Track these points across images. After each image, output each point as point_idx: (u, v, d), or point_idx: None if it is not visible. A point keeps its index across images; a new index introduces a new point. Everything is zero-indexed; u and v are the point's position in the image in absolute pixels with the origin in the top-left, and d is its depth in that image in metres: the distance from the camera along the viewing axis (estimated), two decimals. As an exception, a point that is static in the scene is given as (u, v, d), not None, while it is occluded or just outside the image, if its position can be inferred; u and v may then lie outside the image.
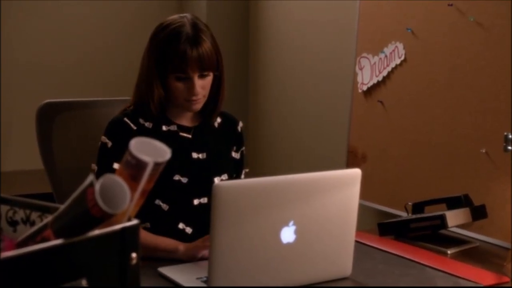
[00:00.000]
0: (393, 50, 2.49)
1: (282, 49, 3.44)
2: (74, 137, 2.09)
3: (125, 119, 1.82)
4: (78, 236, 0.88)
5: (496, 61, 2.11)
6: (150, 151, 0.92)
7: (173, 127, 1.86)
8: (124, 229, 0.94)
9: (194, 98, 1.78)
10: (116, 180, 0.88)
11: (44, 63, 3.65)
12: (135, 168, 0.90)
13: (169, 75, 1.77)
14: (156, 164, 0.91)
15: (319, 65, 3.18)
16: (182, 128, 1.86)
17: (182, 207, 1.80)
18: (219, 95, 1.87)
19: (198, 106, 1.82)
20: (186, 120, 1.88)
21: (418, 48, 2.40)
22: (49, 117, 2.06)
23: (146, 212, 1.76)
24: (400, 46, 2.46)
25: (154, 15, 3.91)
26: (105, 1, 3.79)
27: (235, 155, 1.95)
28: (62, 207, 0.92)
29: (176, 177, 1.80)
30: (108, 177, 0.87)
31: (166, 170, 1.73)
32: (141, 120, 1.83)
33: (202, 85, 1.78)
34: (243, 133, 2.00)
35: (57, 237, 0.89)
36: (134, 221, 0.96)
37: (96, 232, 0.90)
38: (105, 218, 0.86)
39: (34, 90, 3.58)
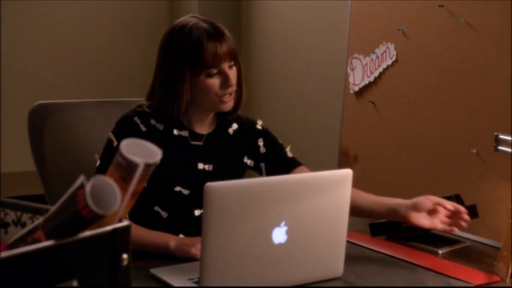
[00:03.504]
0: (385, 51, 2.50)
1: (274, 49, 3.45)
2: (66, 139, 2.08)
3: (136, 119, 1.78)
4: (69, 237, 0.88)
5: (486, 62, 2.13)
6: (141, 152, 0.92)
7: (185, 133, 1.81)
8: (115, 230, 0.94)
9: (229, 91, 1.75)
10: (107, 182, 0.88)
11: (37, 64, 3.65)
12: (125, 169, 0.90)
13: (199, 75, 1.72)
14: (147, 165, 0.92)
15: (310, 66, 3.19)
16: (193, 134, 1.82)
17: (182, 217, 1.77)
18: (240, 92, 1.83)
19: (231, 103, 1.78)
20: (199, 127, 1.83)
21: (409, 49, 2.41)
22: (41, 119, 2.06)
23: (144, 218, 1.76)
24: (392, 47, 2.47)
25: (146, 16, 3.92)
26: (97, 2, 3.79)
27: (249, 161, 1.88)
28: (53, 208, 0.92)
29: (177, 188, 1.76)
30: (98, 179, 0.87)
31: (167, 180, 1.75)
32: (152, 121, 1.79)
33: (233, 76, 1.76)
34: (265, 128, 1.93)
35: (48, 238, 0.89)
36: (125, 222, 0.96)
37: (87, 233, 0.90)
38: (95, 219, 0.86)
39: (26, 91, 3.57)
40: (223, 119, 1.88)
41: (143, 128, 1.77)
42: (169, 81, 1.75)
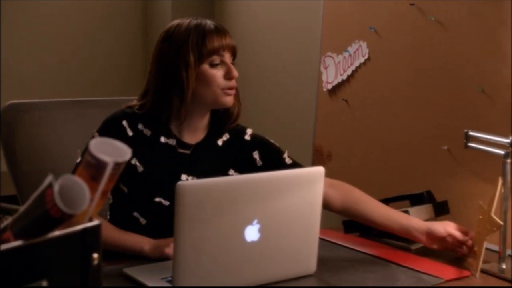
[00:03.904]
0: (357, 49, 2.51)
1: (247, 49, 3.45)
2: (39, 139, 2.06)
3: (124, 122, 1.74)
4: (38, 237, 0.88)
5: (456, 60, 2.15)
6: (111, 151, 0.92)
7: (172, 141, 1.77)
8: (85, 230, 0.94)
9: (232, 83, 1.74)
10: (76, 181, 0.88)
11: (8, 64, 3.61)
12: (95, 168, 0.90)
13: (203, 62, 1.71)
14: (116, 164, 0.91)
15: (284, 65, 3.20)
16: (181, 143, 1.78)
17: (161, 225, 1.72)
18: (238, 101, 1.83)
19: (232, 99, 1.76)
20: (189, 136, 1.79)
21: (382, 47, 2.43)
22: (13, 118, 2.04)
23: (124, 222, 1.75)
24: (364, 45, 2.49)
25: (120, 16, 3.90)
26: (71, 2, 3.77)
27: (234, 173, 1.83)
28: (21, 208, 0.92)
29: (157, 199, 1.74)
30: (67, 178, 0.87)
31: (148, 190, 1.73)
32: (140, 126, 1.75)
33: (236, 71, 1.75)
34: (257, 136, 1.88)
35: (17, 238, 0.89)
36: (96, 222, 0.96)
37: (57, 233, 0.89)
38: (64, 219, 0.86)
39: (3, 90, 3.54)
40: (216, 127, 1.84)
41: (130, 133, 1.74)
42: (171, 74, 1.71)
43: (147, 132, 1.76)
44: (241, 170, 1.83)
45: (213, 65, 1.73)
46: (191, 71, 1.70)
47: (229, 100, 1.76)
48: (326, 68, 2.66)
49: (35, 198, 0.88)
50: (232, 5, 3.55)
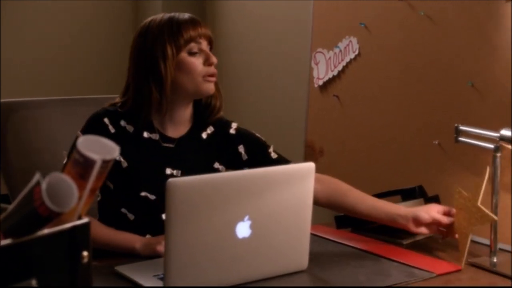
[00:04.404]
0: (348, 45, 2.52)
1: (238, 46, 3.45)
2: (29, 137, 2.06)
3: (105, 120, 1.75)
4: (27, 235, 0.88)
5: (447, 55, 2.16)
6: (98, 148, 0.92)
7: (155, 136, 1.78)
8: (74, 228, 0.94)
9: (212, 69, 1.75)
10: (63, 179, 0.87)
11: (3, 63, 3.60)
12: (83, 166, 0.90)
13: (181, 50, 1.72)
14: (104, 162, 0.91)
15: (275, 61, 3.20)
16: (165, 138, 1.79)
17: (149, 220, 1.75)
18: (218, 91, 1.84)
19: (213, 86, 1.77)
20: (172, 130, 1.80)
21: (372, 42, 2.43)
22: (4, 117, 2.03)
23: (112, 218, 1.75)
24: (354, 40, 2.49)
25: (110, 15, 3.89)
26: (61, 2, 3.75)
27: (220, 167, 1.84)
28: (10, 207, 0.92)
29: (143, 194, 1.74)
30: (55, 176, 0.86)
31: (133, 184, 1.74)
32: (122, 122, 1.76)
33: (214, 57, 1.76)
34: (242, 130, 1.89)
35: (6, 237, 0.89)
36: (85, 220, 0.96)
37: (45, 231, 0.89)
38: (52, 217, 0.85)
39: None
40: (200, 120, 1.85)
41: (112, 130, 1.75)
42: (149, 67, 1.73)
43: (130, 128, 1.77)
44: (226, 164, 1.85)
45: (191, 53, 1.74)
46: (169, 62, 1.72)
47: (210, 87, 1.77)
48: (317, 64, 2.66)
49: (23, 196, 0.87)
50: (223, 4, 3.55)
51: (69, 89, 3.67)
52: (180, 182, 1.35)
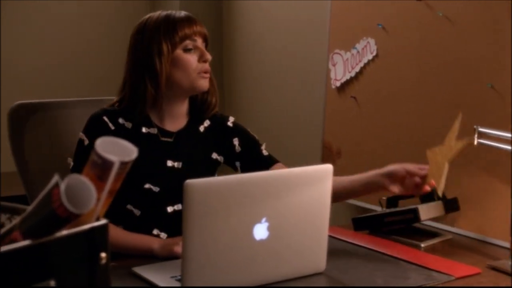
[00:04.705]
0: (365, 46, 2.50)
1: (256, 47, 3.45)
2: (47, 138, 2.07)
3: (104, 117, 1.79)
4: (46, 236, 0.88)
5: (466, 55, 2.14)
6: (117, 150, 0.92)
7: (154, 130, 1.82)
8: (92, 229, 0.94)
9: (207, 66, 1.78)
10: (82, 180, 0.87)
11: (16, 63, 3.62)
12: (101, 168, 0.90)
13: (176, 48, 1.76)
14: (123, 163, 0.91)
15: (292, 62, 3.19)
16: (163, 132, 1.83)
17: (155, 214, 1.78)
18: (213, 87, 1.86)
19: (207, 82, 1.80)
20: (170, 124, 1.84)
21: (390, 43, 2.42)
22: (21, 118, 2.04)
23: (118, 216, 1.76)
24: (372, 41, 2.48)
25: (128, 15, 3.90)
26: (78, 2, 3.77)
27: (219, 157, 1.89)
28: (29, 208, 0.92)
29: (147, 186, 1.77)
30: (73, 177, 0.87)
31: (136, 177, 1.75)
32: (120, 120, 1.80)
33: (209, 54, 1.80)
34: (238, 124, 1.93)
35: (25, 238, 0.89)
36: (103, 221, 0.96)
37: (64, 232, 0.89)
38: (71, 218, 0.85)
39: (5, 91, 3.54)
40: (196, 115, 1.88)
41: (112, 127, 1.79)
42: (144, 63, 1.77)
43: (128, 125, 1.81)
44: (222, 154, 1.89)
45: (186, 50, 1.78)
46: (164, 58, 1.76)
47: (204, 83, 1.80)
48: (334, 65, 2.65)
49: (42, 197, 0.88)
50: (240, 3, 3.55)
51: (88, 90, 3.69)
52: (198, 184, 1.35)
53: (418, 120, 2.31)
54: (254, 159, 1.89)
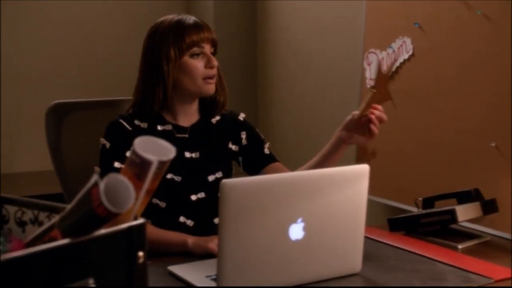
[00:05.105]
0: (401, 45, 2.48)
1: (290, 47, 3.44)
2: (83, 137, 2.09)
3: (121, 120, 1.85)
4: (85, 235, 0.88)
5: (504, 54, 2.10)
6: (155, 150, 0.92)
7: (168, 127, 1.88)
8: (130, 228, 0.94)
9: (213, 72, 1.83)
10: (121, 179, 0.88)
11: (53, 64, 3.67)
12: (139, 167, 0.90)
13: (184, 54, 1.81)
14: (161, 163, 0.92)
15: (327, 62, 3.18)
16: (178, 128, 1.89)
17: (179, 203, 1.83)
18: (222, 87, 1.92)
19: (214, 86, 1.86)
20: (183, 120, 1.90)
21: (426, 42, 2.39)
22: (58, 118, 2.07)
23: (145, 213, 1.78)
24: (408, 41, 2.45)
25: (162, 16, 3.93)
26: (113, 2, 3.80)
27: (234, 147, 1.95)
28: (68, 207, 0.93)
29: (169, 176, 1.82)
30: (112, 177, 0.87)
31: None
32: (136, 122, 1.86)
33: (216, 61, 1.85)
34: (248, 121, 2.01)
35: (64, 236, 0.90)
36: (141, 220, 0.96)
37: (103, 231, 0.90)
38: (110, 217, 0.86)
39: (42, 91, 3.60)
40: (207, 111, 1.94)
41: (129, 128, 1.84)
42: (154, 67, 1.82)
43: (144, 125, 1.87)
44: (234, 143, 1.96)
45: (193, 56, 1.83)
46: (172, 64, 1.82)
47: (210, 88, 1.86)
48: (369, 64, 2.63)
49: (81, 196, 0.88)
50: (274, 3, 3.54)
51: (116, 91, 3.72)
52: (233, 183, 1.35)
53: (455, 120, 2.28)
54: (255, 155, 1.96)
